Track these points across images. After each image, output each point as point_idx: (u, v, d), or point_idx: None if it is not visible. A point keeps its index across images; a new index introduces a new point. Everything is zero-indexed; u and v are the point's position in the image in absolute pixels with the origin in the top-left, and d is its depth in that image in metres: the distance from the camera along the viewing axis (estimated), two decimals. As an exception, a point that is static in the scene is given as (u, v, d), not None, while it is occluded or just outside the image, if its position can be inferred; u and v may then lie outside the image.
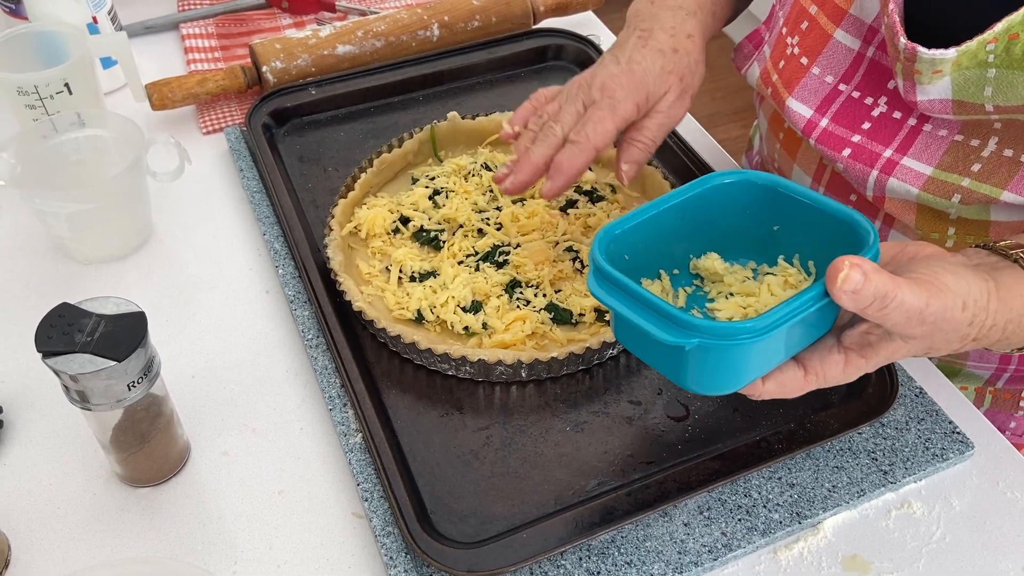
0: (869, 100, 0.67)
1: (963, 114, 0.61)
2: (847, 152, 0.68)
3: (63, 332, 0.53)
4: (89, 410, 0.55)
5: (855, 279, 0.46)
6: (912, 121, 0.65)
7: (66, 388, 0.54)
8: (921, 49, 0.58)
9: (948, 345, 0.52)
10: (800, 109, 0.70)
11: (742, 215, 0.57)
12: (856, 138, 0.67)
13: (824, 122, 0.69)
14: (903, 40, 0.59)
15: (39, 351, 0.52)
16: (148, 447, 0.60)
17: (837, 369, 0.51)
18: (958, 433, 0.65)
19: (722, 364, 0.49)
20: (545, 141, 0.67)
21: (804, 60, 0.70)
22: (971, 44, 0.57)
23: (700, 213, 0.57)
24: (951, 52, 0.58)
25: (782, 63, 0.73)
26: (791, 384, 0.51)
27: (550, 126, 0.67)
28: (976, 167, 0.62)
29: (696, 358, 0.48)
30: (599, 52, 0.95)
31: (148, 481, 0.62)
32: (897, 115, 0.66)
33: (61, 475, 0.63)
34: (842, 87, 0.68)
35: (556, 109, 0.68)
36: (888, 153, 0.66)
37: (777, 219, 0.56)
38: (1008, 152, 0.61)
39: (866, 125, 0.67)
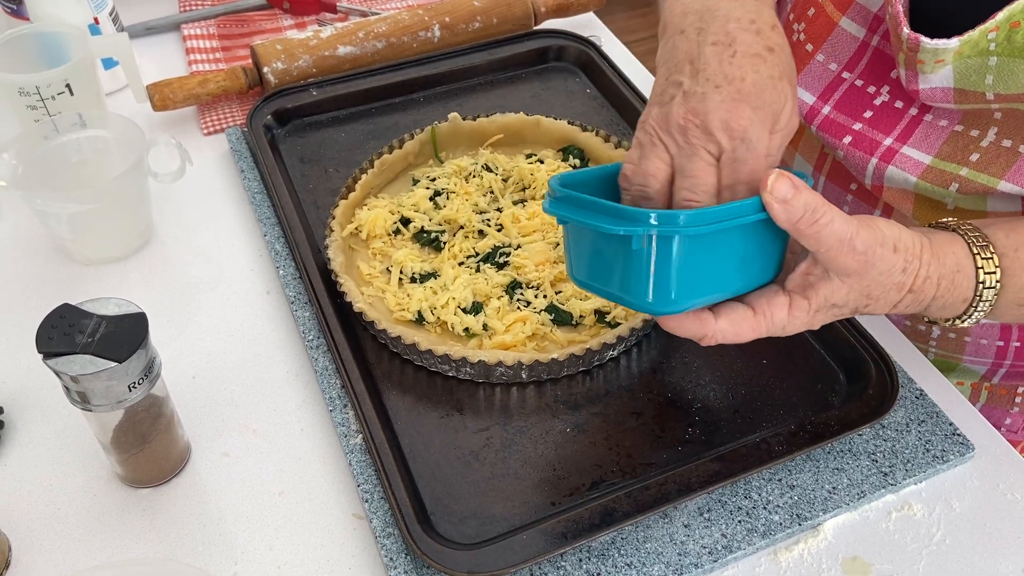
0: (872, 89, 0.67)
1: (964, 103, 0.61)
2: (848, 140, 0.68)
3: (64, 333, 0.53)
4: (90, 411, 0.55)
5: (783, 187, 0.48)
6: (913, 111, 0.66)
7: (67, 389, 0.55)
8: (924, 39, 0.59)
9: (885, 294, 0.53)
10: (803, 96, 0.71)
11: None
12: (857, 126, 0.68)
13: (826, 109, 0.69)
14: (906, 30, 0.60)
15: (40, 352, 0.52)
16: (149, 448, 0.60)
17: (783, 310, 0.53)
18: (958, 435, 0.64)
19: (673, 263, 0.50)
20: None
21: (809, 47, 0.71)
22: (973, 33, 0.57)
23: None
24: (953, 42, 0.58)
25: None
26: (742, 323, 0.53)
27: (647, 190, 0.54)
28: (975, 157, 0.63)
29: (647, 258, 0.50)
30: (600, 53, 0.95)
31: (149, 482, 0.62)
32: (899, 104, 0.66)
33: (62, 476, 0.63)
34: (845, 75, 0.69)
35: (683, 178, 0.53)
36: (888, 141, 0.66)
37: None
38: (1007, 142, 0.62)
39: (868, 114, 0.68)
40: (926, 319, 0.61)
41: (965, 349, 0.76)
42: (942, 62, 0.59)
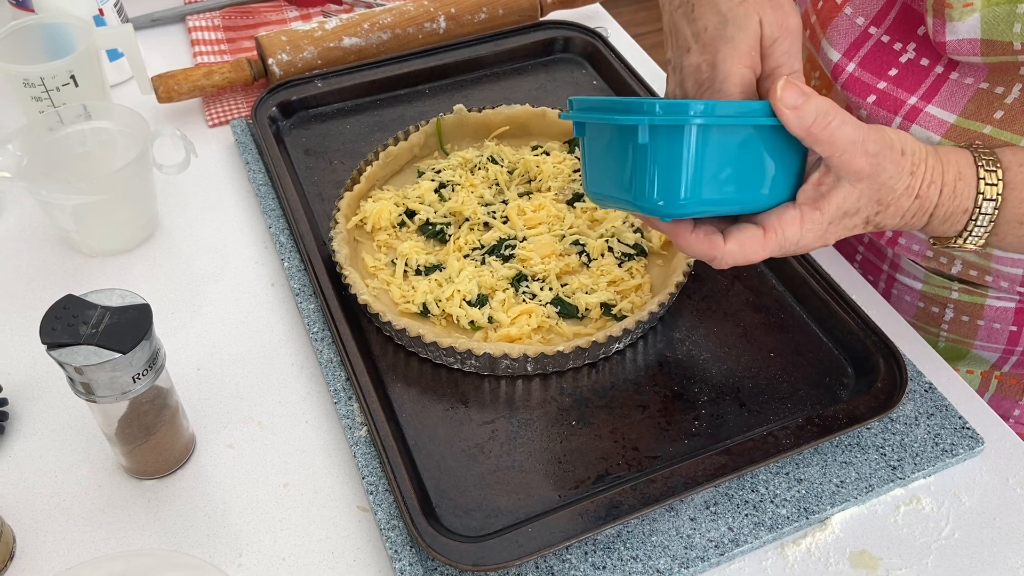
0: (898, 45, 0.67)
1: (991, 54, 0.61)
2: (872, 99, 0.68)
3: (68, 324, 0.53)
4: (94, 402, 0.55)
5: (792, 94, 0.49)
6: (939, 69, 0.65)
7: (71, 380, 0.54)
8: None
9: (896, 199, 0.53)
10: (829, 52, 0.70)
11: None
12: (882, 84, 0.67)
13: (851, 67, 0.69)
14: None
15: (44, 343, 0.52)
16: (153, 439, 0.60)
17: (794, 225, 0.53)
18: (968, 428, 0.64)
19: (681, 157, 0.50)
20: None
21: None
22: None
23: None
24: None
25: (820, 3, 0.73)
26: (751, 243, 0.53)
27: None
28: (999, 114, 0.63)
29: (654, 151, 0.50)
30: (607, 44, 0.95)
31: (153, 473, 0.62)
32: (925, 62, 0.66)
33: (66, 467, 0.63)
34: (872, 30, 0.68)
35: None
36: (913, 100, 0.66)
37: None
38: None
39: (893, 72, 0.67)
40: (931, 240, 0.60)
41: (977, 334, 0.75)
42: (970, 6, 0.59)
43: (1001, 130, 0.62)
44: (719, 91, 0.55)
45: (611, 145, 0.53)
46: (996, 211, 0.56)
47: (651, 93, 0.88)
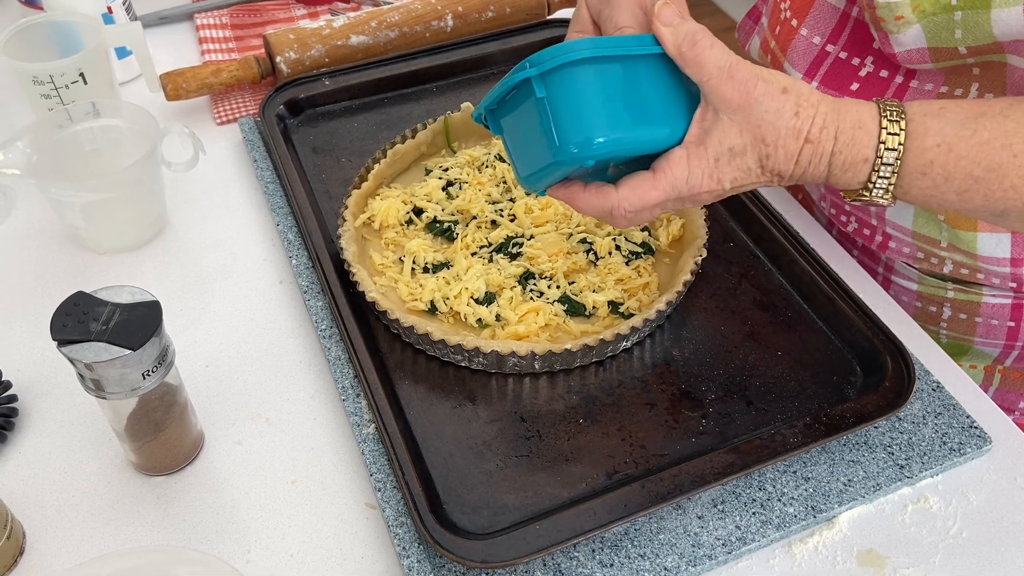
0: (856, 60, 0.68)
1: (941, 60, 0.62)
2: None
3: (78, 321, 0.53)
4: (104, 398, 0.55)
5: (669, 12, 0.51)
6: (899, 79, 0.66)
7: (81, 376, 0.55)
8: None
9: (781, 140, 0.53)
10: (792, 73, 0.72)
11: None
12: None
13: (814, 85, 0.70)
14: None
15: (54, 339, 0.53)
16: (162, 436, 0.60)
17: (682, 164, 0.54)
18: (975, 428, 0.64)
19: (574, 99, 0.51)
20: None
21: (794, 22, 0.72)
22: None
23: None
24: None
25: (778, 28, 0.74)
26: (642, 186, 0.54)
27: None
28: None
29: (552, 101, 0.51)
30: (614, 43, 0.95)
31: (162, 470, 0.63)
32: (884, 74, 0.67)
33: (76, 463, 0.63)
34: (829, 48, 0.69)
35: None
36: None
37: None
38: (989, 96, 0.62)
39: (854, 86, 0.68)
40: (842, 194, 0.60)
41: (976, 331, 0.75)
42: (902, 19, 0.60)
43: None
44: (612, 22, 0.58)
45: (520, 120, 0.55)
46: (898, 160, 0.54)
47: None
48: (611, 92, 0.52)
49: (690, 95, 0.54)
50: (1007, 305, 0.73)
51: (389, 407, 0.63)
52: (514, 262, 0.73)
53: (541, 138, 0.53)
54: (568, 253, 0.74)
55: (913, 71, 0.65)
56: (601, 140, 0.51)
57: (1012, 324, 0.74)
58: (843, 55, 0.69)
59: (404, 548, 0.57)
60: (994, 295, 0.74)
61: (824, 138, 0.53)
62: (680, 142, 0.54)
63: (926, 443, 0.63)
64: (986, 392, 0.80)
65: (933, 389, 0.66)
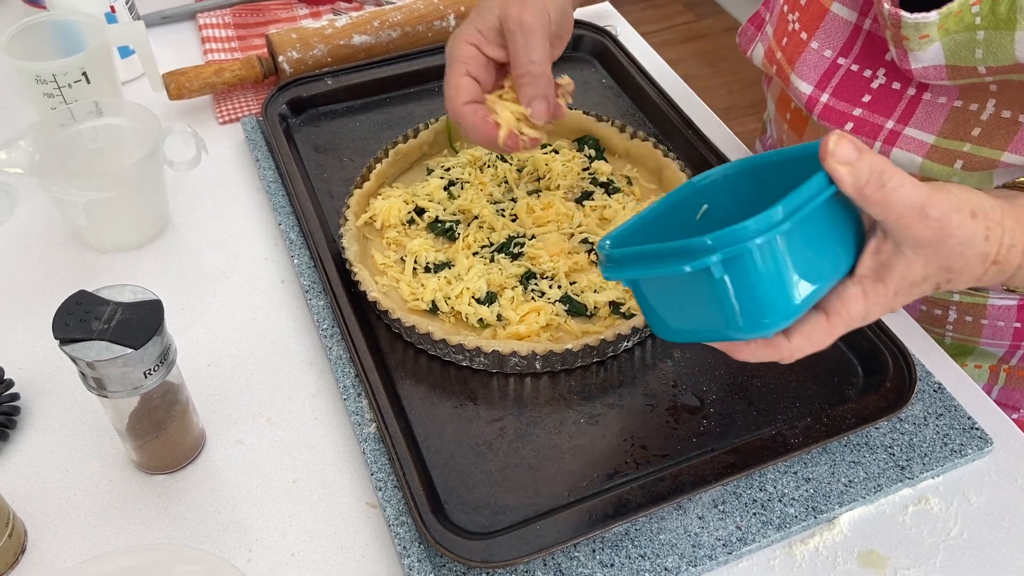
0: (868, 72, 0.67)
1: (958, 78, 0.61)
2: (849, 126, 0.68)
3: (80, 319, 0.53)
4: (106, 397, 0.56)
5: (846, 149, 0.45)
6: (911, 91, 0.65)
7: (83, 375, 0.55)
8: (904, 14, 0.59)
9: (967, 266, 0.49)
10: (801, 85, 0.71)
11: (741, 210, 0.56)
12: (857, 111, 0.68)
13: (825, 97, 0.69)
14: (887, 6, 0.60)
15: (56, 338, 0.53)
16: (164, 435, 0.61)
17: (858, 303, 0.49)
18: (977, 429, 0.64)
19: (756, 279, 0.46)
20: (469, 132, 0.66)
21: (804, 35, 0.71)
22: (952, 5, 0.57)
23: (691, 218, 0.57)
24: (933, 15, 0.58)
25: (784, 40, 0.73)
26: (817, 333, 0.49)
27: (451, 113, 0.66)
28: (976, 131, 0.63)
29: (730, 284, 0.46)
30: (616, 43, 0.95)
31: (164, 468, 0.63)
32: (896, 86, 0.66)
33: (77, 461, 0.63)
34: (840, 60, 0.69)
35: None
36: (890, 124, 0.66)
37: (775, 198, 0.55)
38: (1006, 113, 0.62)
39: (866, 98, 0.67)
40: (954, 295, 0.59)
41: (982, 332, 0.75)
42: (927, 37, 0.59)
43: (980, 147, 0.62)
44: (524, 55, 0.62)
45: (674, 284, 0.50)
46: None
47: (660, 91, 0.88)
48: (794, 257, 0.46)
49: (856, 225, 0.50)
50: (1013, 306, 0.73)
51: (390, 406, 0.63)
52: (516, 262, 0.73)
53: (708, 309, 0.48)
54: (569, 253, 0.74)
55: (927, 84, 0.64)
56: (790, 317, 0.47)
57: (1018, 325, 0.74)
58: (855, 67, 0.68)
59: (405, 547, 0.57)
60: (1000, 297, 0.74)
61: (1011, 256, 0.50)
62: (847, 273, 0.50)
63: (927, 444, 0.63)
64: (990, 391, 0.80)
65: (934, 390, 0.66)
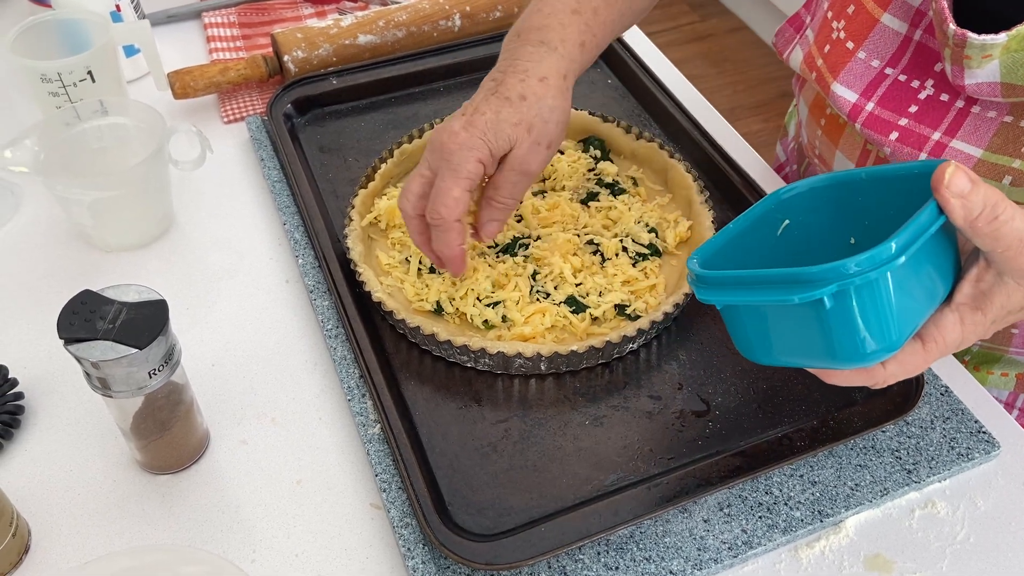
0: (916, 83, 0.66)
1: (1012, 96, 0.60)
2: (894, 136, 0.67)
3: (85, 319, 0.53)
4: (110, 397, 0.56)
5: (961, 181, 0.44)
6: (960, 103, 0.64)
7: (87, 375, 0.55)
8: (972, 35, 0.58)
9: None
10: (845, 94, 0.69)
11: (820, 226, 0.56)
12: (903, 121, 0.67)
13: (870, 106, 0.68)
14: (952, 27, 0.59)
15: (61, 337, 0.53)
16: (168, 435, 0.60)
17: (955, 331, 0.49)
18: (984, 433, 0.64)
19: (866, 311, 0.45)
20: (413, 231, 0.66)
21: (850, 44, 0.69)
22: (1021, 28, 0.56)
23: (772, 233, 0.56)
24: (1001, 37, 0.57)
25: (827, 47, 0.72)
26: (912, 360, 0.49)
27: (403, 209, 0.65)
28: None
29: (836, 317, 0.46)
30: (622, 43, 0.95)
31: (168, 469, 0.63)
32: (944, 97, 0.65)
33: (81, 461, 0.63)
34: (888, 71, 0.67)
35: (411, 177, 0.65)
36: (936, 136, 0.65)
37: (857, 216, 0.54)
38: None
39: (913, 108, 0.66)
40: None
41: (1012, 341, 0.75)
42: (989, 57, 0.58)
43: None
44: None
45: (780, 317, 0.49)
46: None
47: (665, 92, 0.88)
48: (901, 291, 0.46)
49: (955, 251, 0.50)
50: None
51: (395, 407, 0.62)
52: (521, 263, 0.73)
53: (810, 339, 0.48)
54: (575, 254, 0.73)
55: (976, 98, 0.63)
56: (892, 350, 0.47)
57: None
58: (902, 78, 0.67)
59: (409, 549, 0.57)
60: None
61: None
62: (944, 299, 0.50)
63: (934, 448, 0.63)
64: (1016, 399, 0.79)
65: (942, 394, 0.66)
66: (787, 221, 0.57)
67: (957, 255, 0.50)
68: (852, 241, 0.55)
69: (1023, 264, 0.47)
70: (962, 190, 0.45)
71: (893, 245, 0.44)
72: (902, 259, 0.44)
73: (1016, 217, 0.45)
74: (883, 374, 0.50)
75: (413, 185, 0.64)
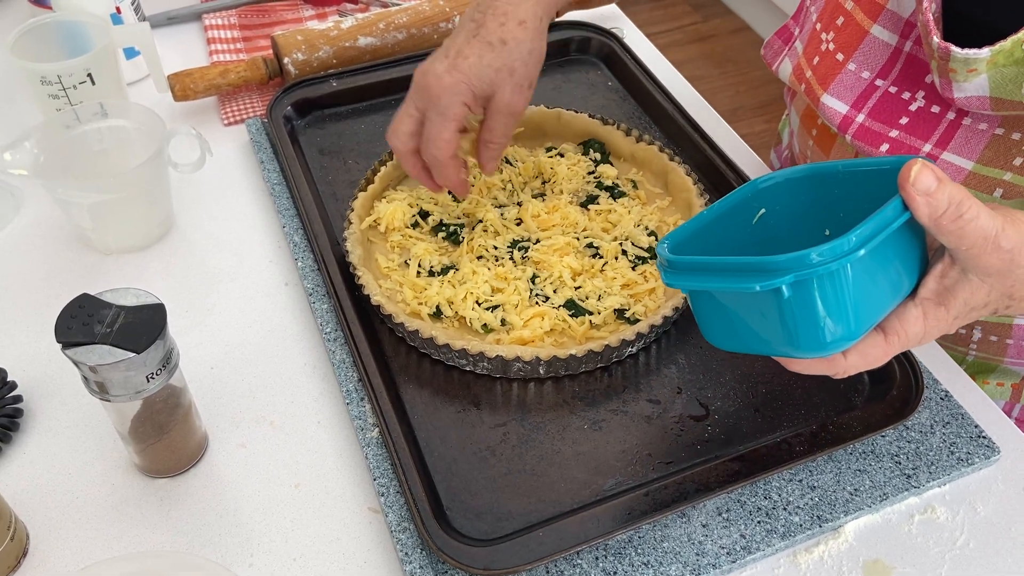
0: (906, 95, 0.66)
1: (1001, 110, 0.60)
2: (885, 147, 0.67)
3: (83, 323, 0.53)
4: (108, 401, 0.55)
5: (927, 179, 0.45)
6: (951, 115, 0.64)
7: (85, 379, 0.55)
8: (955, 49, 0.58)
9: None
10: (835, 105, 0.69)
11: (796, 216, 0.56)
12: (894, 133, 0.66)
13: (860, 117, 0.68)
14: (936, 39, 0.59)
15: (59, 341, 0.53)
16: (166, 438, 0.60)
17: (917, 324, 0.49)
18: (984, 437, 0.63)
19: (827, 302, 0.46)
20: (409, 166, 0.70)
21: (840, 56, 0.69)
22: (1005, 44, 0.56)
23: (747, 221, 0.57)
24: (984, 52, 0.57)
25: (816, 59, 0.71)
26: (873, 352, 0.50)
27: (395, 148, 0.69)
28: (1018, 161, 0.62)
29: (797, 306, 0.46)
30: (622, 45, 0.95)
31: (166, 472, 0.63)
32: (935, 109, 0.65)
33: (80, 465, 0.63)
34: (879, 82, 0.67)
35: (398, 117, 0.68)
36: (927, 148, 0.65)
37: (832, 208, 0.55)
38: None
39: (904, 120, 0.66)
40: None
41: (1007, 352, 0.74)
42: (975, 71, 0.58)
43: (1021, 176, 0.61)
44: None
45: (742, 304, 0.50)
46: None
47: (666, 94, 0.88)
48: (862, 283, 0.46)
49: (920, 247, 0.50)
50: None
51: (393, 411, 0.62)
52: (520, 266, 0.73)
53: (771, 327, 0.49)
54: (574, 257, 0.73)
55: (966, 110, 0.63)
56: (852, 340, 0.48)
57: None
58: (893, 89, 0.67)
59: (407, 553, 0.57)
60: None
61: None
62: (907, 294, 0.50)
63: (933, 453, 0.63)
64: (1012, 409, 0.79)
65: (941, 398, 0.66)
66: (763, 210, 0.57)
67: (924, 250, 0.51)
68: (827, 232, 0.56)
69: (987, 262, 0.47)
70: (927, 188, 0.45)
71: (853, 238, 0.45)
72: (862, 252, 0.45)
73: (981, 216, 0.46)
74: (844, 364, 0.50)
75: (402, 125, 0.68)
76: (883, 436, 0.63)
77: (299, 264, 0.75)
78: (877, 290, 0.48)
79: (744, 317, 0.51)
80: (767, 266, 0.46)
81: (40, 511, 0.61)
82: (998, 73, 0.58)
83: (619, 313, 0.69)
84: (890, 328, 0.50)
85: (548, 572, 0.57)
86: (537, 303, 0.70)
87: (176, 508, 0.61)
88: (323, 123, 0.88)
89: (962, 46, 0.58)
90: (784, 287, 0.46)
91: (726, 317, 0.52)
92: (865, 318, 0.48)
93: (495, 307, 0.69)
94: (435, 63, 0.66)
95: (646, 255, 0.74)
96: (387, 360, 0.68)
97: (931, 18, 0.59)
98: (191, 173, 0.80)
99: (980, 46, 0.57)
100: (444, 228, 0.76)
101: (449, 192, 0.77)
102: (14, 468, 0.63)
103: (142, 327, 0.53)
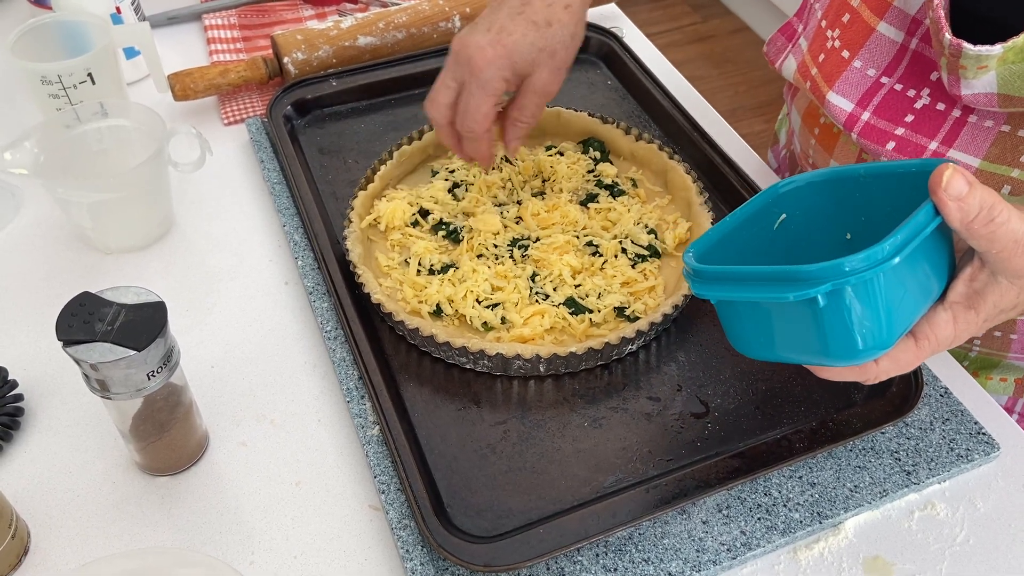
0: (912, 92, 0.66)
1: (1009, 107, 0.60)
2: (891, 145, 0.67)
3: (84, 321, 0.53)
4: (109, 399, 0.56)
5: (959, 183, 0.45)
6: (956, 112, 0.64)
7: (86, 377, 0.55)
8: (967, 45, 0.58)
9: None
10: (841, 103, 0.69)
11: (817, 220, 0.56)
12: (899, 131, 0.66)
13: (866, 115, 0.68)
14: (948, 36, 0.58)
15: (60, 339, 0.53)
16: (167, 436, 0.60)
17: (947, 328, 0.49)
18: (983, 434, 0.63)
19: (860, 310, 0.46)
20: (445, 137, 0.70)
21: (845, 54, 0.69)
22: (1018, 40, 0.56)
23: (768, 226, 0.57)
24: (997, 48, 0.57)
25: (822, 56, 0.71)
26: (904, 356, 0.50)
27: (434, 119, 0.69)
28: None
29: (830, 315, 0.46)
30: (622, 44, 0.95)
31: (167, 470, 0.63)
32: (941, 107, 0.65)
33: (81, 463, 0.63)
34: (884, 80, 0.67)
35: (437, 87, 0.68)
36: (933, 146, 0.65)
37: (854, 211, 0.54)
38: None
39: (909, 118, 0.66)
40: None
41: (1011, 347, 0.75)
42: (985, 68, 0.58)
43: None
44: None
45: (774, 314, 0.49)
46: None
47: (665, 93, 0.88)
48: (894, 290, 0.46)
49: (949, 250, 0.50)
50: None
51: (393, 409, 0.62)
52: (520, 264, 0.73)
53: (803, 336, 0.48)
54: (574, 255, 0.73)
55: (972, 107, 0.63)
56: (884, 348, 0.47)
57: None
58: (898, 87, 0.66)
59: (407, 551, 0.57)
60: None
61: None
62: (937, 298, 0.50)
63: (933, 449, 0.63)
64: (1015, 404, 0.79)
65: (941, 395, 0.66)
66: (784, 215, 0.57)
67: (952, 253, 0.51)
68: (848, 236, 0.56)
69: (1017, 265, 0.47)
70: (959, 193, 0.45)
71: (887, 246, 0.45)
72: (896, 259, 0.45)
73: (1012, 219, 0.46)
74: (875, 370, 0.50)
75: (440, 96, 0.67)
76: (883, 433, 0.64)
77: (299, 263, 0.76)
78: (909, 296, 0.48)
79: (775, 326, 0.50)
80: (801, 275, 0.45)
81: (41, 509, 0.61)
82: (1007, 70, 0.57)
83: (619, 311, 0.69)
84: (920, 333, 0.50)
85: (548, 569, 0.57)
86: (537, 301, 0.70)
87: (177, 506, 0.61)
88: (323, 122, 0.89)
89: (970, 42, 0.58)
90: (819, 296, 0.45)
91: (756, 326, 0.51)
92: (897, 325, 0.48)
93: (495, 305, 0.69)
94: (476, 35, 0.65)
95: (646, 253, 0.74)
96: (387, 358, 0.68)
97: (942, 14, 0.59)
98: (191, 173, 0.80)
99: (986, 42, 0.57)
100: (444, 226, 0.76)
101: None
102: (15, 467, 0.63)
103: (143, 325, 0.53)
